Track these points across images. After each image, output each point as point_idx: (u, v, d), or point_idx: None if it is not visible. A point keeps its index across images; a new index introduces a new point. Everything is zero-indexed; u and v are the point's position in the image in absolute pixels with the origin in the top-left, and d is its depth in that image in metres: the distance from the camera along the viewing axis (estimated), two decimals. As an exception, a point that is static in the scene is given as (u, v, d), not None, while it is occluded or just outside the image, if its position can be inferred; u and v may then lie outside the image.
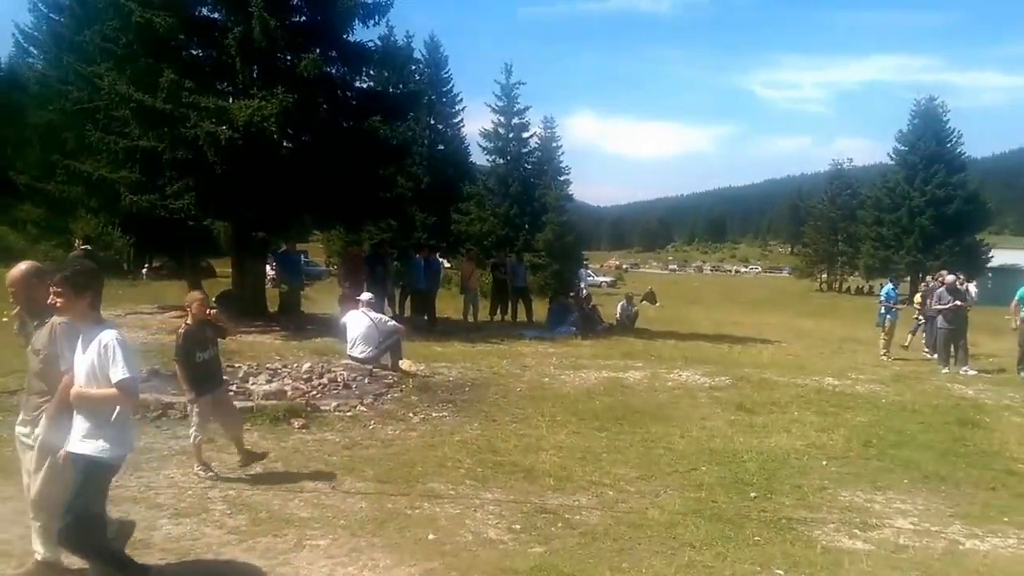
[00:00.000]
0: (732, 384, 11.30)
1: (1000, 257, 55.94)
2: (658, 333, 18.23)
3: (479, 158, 46.48)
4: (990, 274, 51.13)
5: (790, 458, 7.47)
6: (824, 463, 7.38)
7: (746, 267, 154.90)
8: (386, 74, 28.78)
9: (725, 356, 14.61)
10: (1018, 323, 13.69)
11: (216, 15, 16.30)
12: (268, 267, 19.67)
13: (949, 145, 56.29)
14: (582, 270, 44.26)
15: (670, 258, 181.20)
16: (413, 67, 43.84)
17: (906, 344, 16.98)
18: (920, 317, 16.88)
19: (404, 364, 10.71)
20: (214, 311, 6.70)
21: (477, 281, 19.93)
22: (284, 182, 14.81)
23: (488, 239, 40.96)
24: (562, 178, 46.98)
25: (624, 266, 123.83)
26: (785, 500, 6.24)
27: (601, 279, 64.62)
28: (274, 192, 14.80)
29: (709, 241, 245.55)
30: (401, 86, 31.60)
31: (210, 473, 6.23)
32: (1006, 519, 6.02)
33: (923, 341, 16.64)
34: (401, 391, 9.65)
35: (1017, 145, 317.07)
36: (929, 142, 55.39)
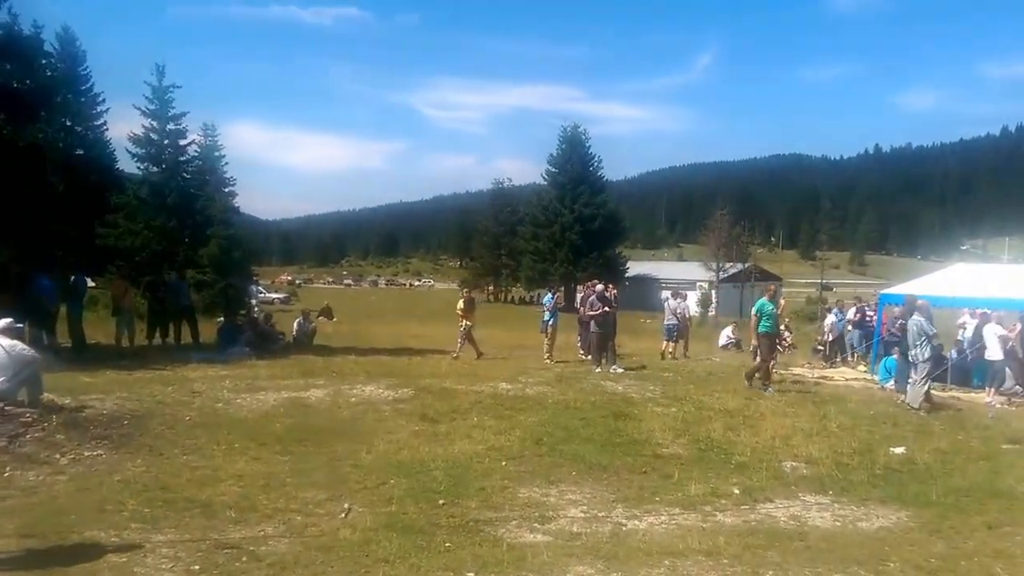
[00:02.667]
0: (415, 395, 11.50)
1: (634, 268, 64.56)
2: (338, 349, 17.99)
3: (129, 166, 41.53)
4: (627, 282, 58.60)
5: (473, 462, 7.78)
6: (504, 464, 7.80)
7: (420, 281, 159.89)
8: (8, 67, 24.69)
9: (406, 368, 14.84)
10: (755, 338, 14.00)
11: None
12: None
13: (591, 168, 63.57)
14: (253, 286, 42.24)
15: (345, 273, 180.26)
16: (44, 61, 38.02)
17: (671, 351, 18.84)
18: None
19: (45, 397, 9.24)
20: None
21: (132, 301, 17.92)
22: None
23: (142, 254, 37.08)
24: (227, 189, 44.28)
25: (298, 281, 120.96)
26: (471, 503, 6.48)
27: (274, 295, 62.35)
28: None
29: (383, 255, 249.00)
30: (28, 81, 27.28)
31: None
32: (658, 499, 6.85)
33: (578, 343, 18.41)
34: (43, 429, 8.30)
35: (644, 170, 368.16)
36: (575, 165, 62.05)
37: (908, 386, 12.53)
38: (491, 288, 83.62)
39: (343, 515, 6.09)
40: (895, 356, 14.37)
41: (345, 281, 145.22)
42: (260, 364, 14.48)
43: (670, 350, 19.13)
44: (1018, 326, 16.21)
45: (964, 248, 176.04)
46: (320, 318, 32.32)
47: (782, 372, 16.16)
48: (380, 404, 10.83)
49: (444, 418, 9.92)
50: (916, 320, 12.31)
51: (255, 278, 45.08)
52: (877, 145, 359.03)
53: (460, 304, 18.03)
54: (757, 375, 13.49)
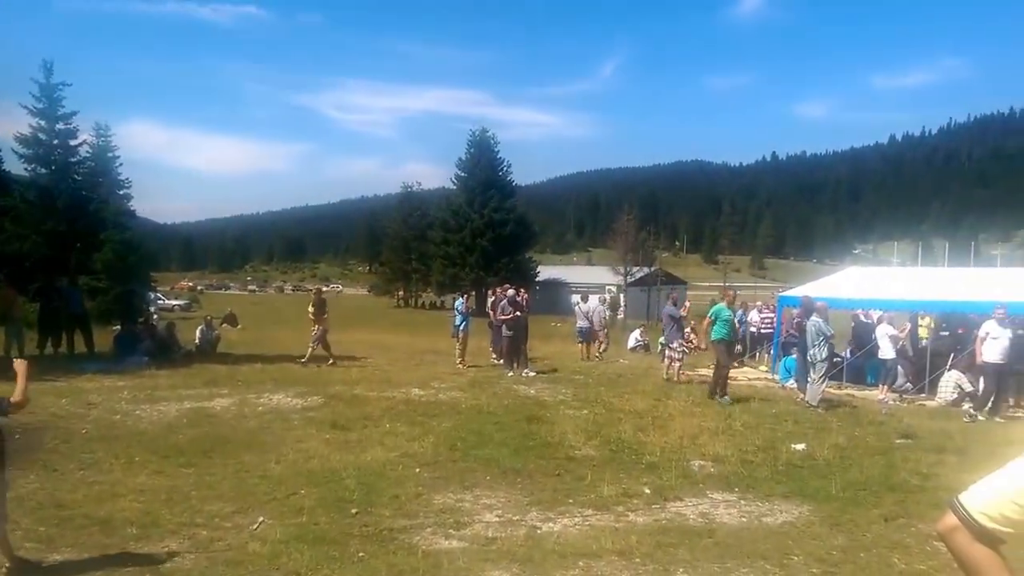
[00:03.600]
0: (324, 403, 11.26)
1: (545, 272, 65.09)
2: (243, 357, 17.44)
3: (16, 167, 39.08)
4: (538, 286, 59.06)
5: (386, 470, 7.66)
6: (417, 470, 7.71)
7: (327, 286, 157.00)
8: None
9: (315, 376, 14.52)
10: (707, 343, 13.91)
11: None
12: None
13: (501, 173, 63.72)
14: (151, 293, 40.51)
15: (249, 278, 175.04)
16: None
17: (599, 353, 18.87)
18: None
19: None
20: None
21: (21, 310, 16.92)
22: None
23: (30, 260, 35.02)
24: (122, 192, 42.30)
25: (199, 287, 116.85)
26: (385, 511, 6.36)
27: (174, 302, 59.96)
28: None
29: (289, 260, 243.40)
30: None
31: None
32: (571, 501, 6.90)
33: (491, 347, 18.44)
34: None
35: (553, 175, 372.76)
36: (484, 170, 62.06)
37: (807, 385, 13.07)
38: (401, 293, 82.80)
39: (253, 527, 5.88)
40: (794, 356, 14.96)
41: (250, 287, 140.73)
42: (160, 374, 13.92)
43: (584, 353, 19.50)
44: (907, 326, 17.15)
45: (856, 252, 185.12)
46: (224, 325, 31.31)
47: (689, 373, 16.61)
48: (289, 413, 10.56)
49: (355, 425, 9.75)
50: (814, 321, 12.86)
51: (153, 284, 43.23)
52: (774, 152, 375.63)
53: (311, 307, 16.97)
54: (719, 384, 12.92)
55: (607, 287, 57.71)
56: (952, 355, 15.02)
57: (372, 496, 6.75)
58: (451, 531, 5.98)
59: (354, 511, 6.31)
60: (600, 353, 20.03)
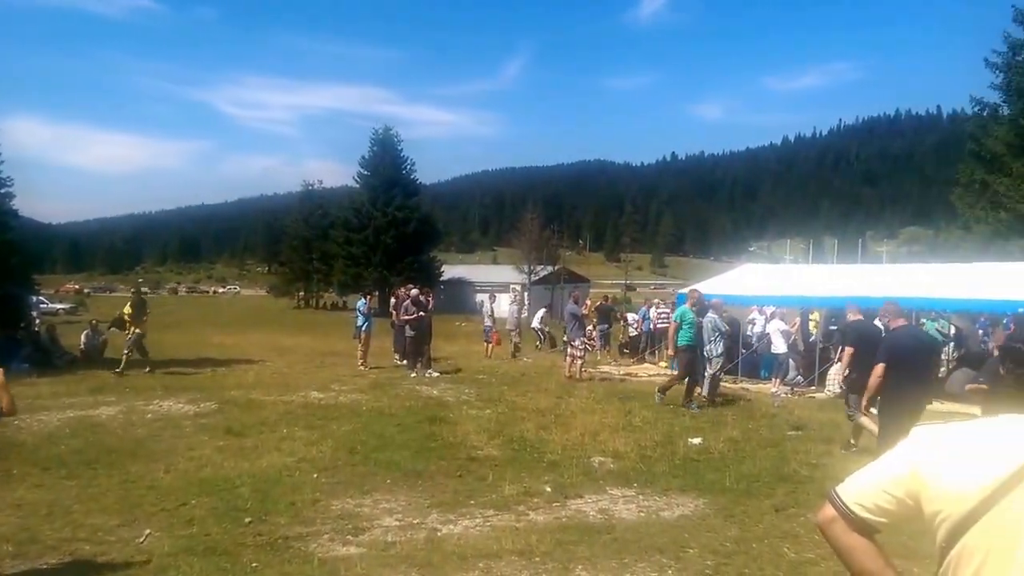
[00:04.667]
0: (218, 409, 10.87)
1: (449, 271, 64.86)
2: (132, 362, 16.61)
3: None
4: (443, 286, 58.79)
5: (283, 476, 7.44)
6: (315, 476, 7.52)
7: (225, 287, 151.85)
8: None
9: (209, 380, 14.00)
10: (674, 348, 13.04)
11: None
12: None
13: (404, 171, 62.88)
14: (34, 297, 38.18)
15: (140, 280, 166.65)
16: None
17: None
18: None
19: None
20: None
21: None
22: None
23: None
24: (3, 191, 39.80)
25: (87, 290, 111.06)
26: (280, 519, 6.17)
27: (58, 305, 56.74)
28: None
29: (183, 261, 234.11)
30: None
31: None
32: (472, 502, 6.86)
33: (393, 348, 18.21)
34: None
35: (458, 174, 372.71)
36: (388, 168, 61.08)
37: (704, 379, 13.44)
38: (301, 294, 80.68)
39: (139, 541, 5.60)
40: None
41: (142, 289, 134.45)
42: (42, 381, 13.17)
43: (489, 352, 19.56)
44: (798, 321, 17.89)
45: (752, 249, 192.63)
46: (112, 329, 29.77)
47: (591, 371, 16.84)
48: (180, 420, 10.13)
49: (251, 431, 9.43)
50: (710, 317, 13.23)
51: (37, 287, 40.78)
52: (674, 152, 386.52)
53: (128, 308, 15.71)
54: (689, 390, 12.34)
55: (511, 286, 58.09)
56: (840, 348, 15.76)
57: (267, 504, 6.54)
58: (349, 537, 5.85)
59: (248, 520, 6.09)
60: (513, 353, 20.17)
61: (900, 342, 7.67)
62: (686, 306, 13.01)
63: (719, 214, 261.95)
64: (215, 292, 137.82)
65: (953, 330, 16.88)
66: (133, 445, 8.68)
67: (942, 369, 16.38)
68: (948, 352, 16.58)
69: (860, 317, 10.01)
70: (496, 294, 22.82)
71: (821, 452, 9.05)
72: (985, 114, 33.68)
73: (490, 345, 20.39)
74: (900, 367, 7.41)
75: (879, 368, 7.48)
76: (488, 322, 20.75)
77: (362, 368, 16.20)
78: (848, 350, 9.36)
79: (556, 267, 64.06)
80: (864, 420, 8.83)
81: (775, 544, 5.83)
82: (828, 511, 1.72)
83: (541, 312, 25.15)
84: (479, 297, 61.33)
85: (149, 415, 10.40)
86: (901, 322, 8.04)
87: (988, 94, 33.63)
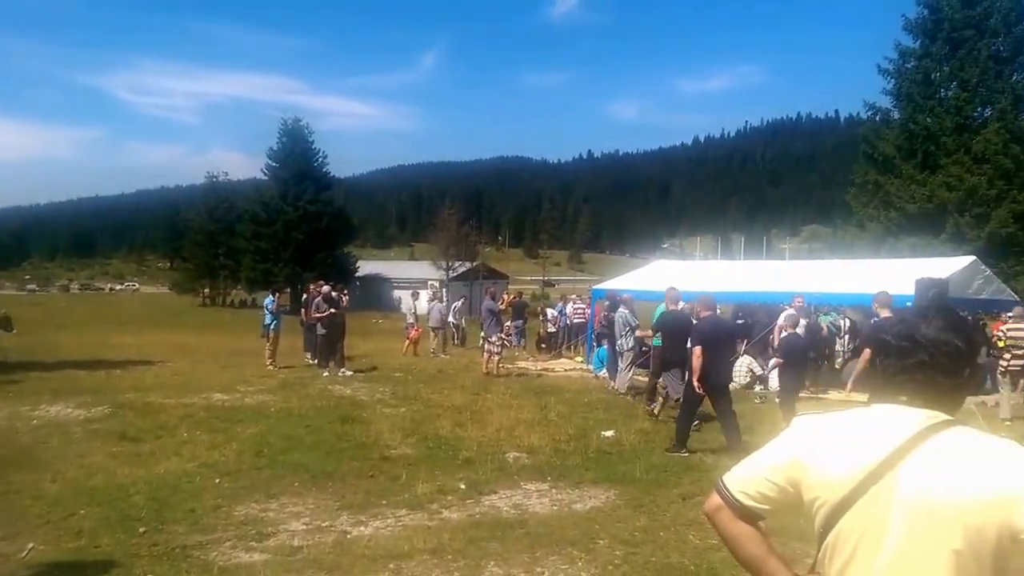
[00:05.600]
0: (112, 413, 10.31)
1: (365, 267, 63.81)
2: (17, 365, 15.60)
3: None
4: (358, 282, 57.85)
5: (182, 482, 7.10)
6: (217, 481, 7.21)
7: (122, 284, 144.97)
8: None
9: (103, 383, 13.30)
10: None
11: None
12: None
13: (316, 164, 61.25)
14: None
15: (27, 277, 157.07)
16: None
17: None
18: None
19: None
20: None
21: None
22: None
23: None
24: None
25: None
26: (178, 528, 5.88)
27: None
28: None
29: (75, 257, 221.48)
30: None
31: None
32: (384, 502, 6.70)
33: (304, 348, 17.75)
34: None
35: (374, 168, 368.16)
36: (298, 160, 59.36)
37: (616, 374, 13.61)
38: (207, 291, 77.71)
39: (22, 555, 5.23)
40: (606, 346, 15.55)
41: (29, 287, 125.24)
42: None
43: (411, 350, 19.47)
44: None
45: (665, 246, 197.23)
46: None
47: (508, 367, 16.84)
48: (70, 425, 9.56)
49: (148, 436, 8.98)
50: (621, 313, 13.39)
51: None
52: (590, 151, 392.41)
53: None
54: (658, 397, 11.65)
55: (429, 282, 57.76)
56: (745, 342, 16.22)
57: (164, 512, 6.21)
58: (252, 543, 5.61)
59: (142, 530, 5.77)
60: (435, 351, 20.06)
61: (704, 328, 9.16)
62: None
63: (634, 211, 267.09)
64: (112, 289, 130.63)
65: (848, 323, 17.60)
66: (17, 453, 8.12)
67: (838, 360, 17.15)
68: (843, 344, 17.29)
69: (675, 307, 10.98)
70: (419, 291, 22.71)
71: (724, 440, 9.25)
72: (878, 118, 35.42)
73: (409, 342, 20.22)
74: (708, 348, 8.81)
75: (697, 350, 8.86)
76: (411, 319, 20.60)
77: (270, 368, 15.71)
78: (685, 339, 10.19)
79: (475, 263, 63.99)
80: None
81: (681, 532, 5.91)
82: (715, 500, 1.77)
83: (457, 304, 25.02)
84: (397, 293, 60.88)
85: (35, 421, 9.79)
86: (707, 313, 9.43)
87: (881, 99, 35.37)
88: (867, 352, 8.78)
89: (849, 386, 10.37)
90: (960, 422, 1.63)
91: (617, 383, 13.42)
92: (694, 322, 9.83)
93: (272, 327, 16.17)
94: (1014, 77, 31.86)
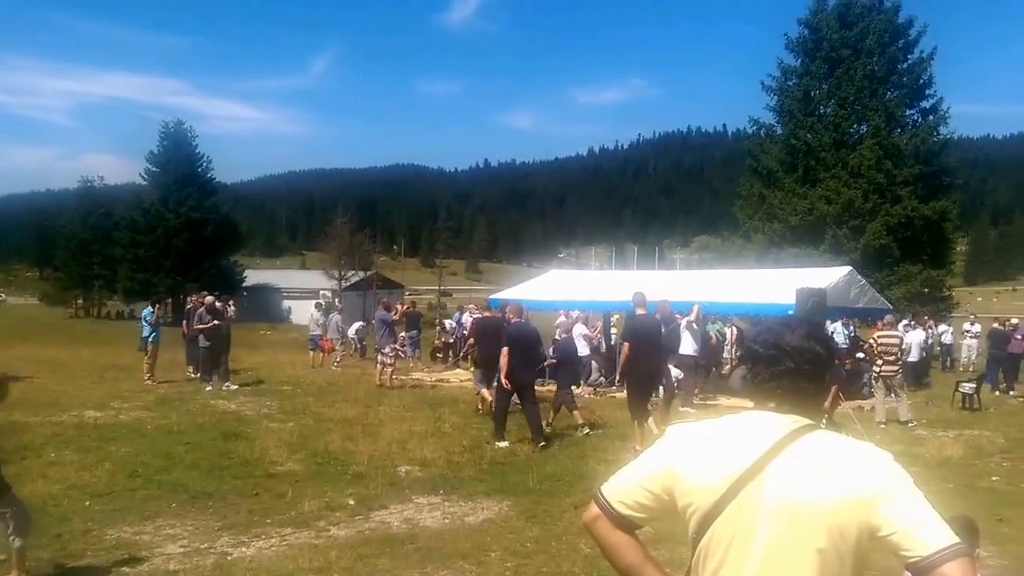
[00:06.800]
0: (-29, 434, 9.54)
1: (253, 277, 61.66)
2: None
3: None
4: (246, 293, 55.86)
5: (48, 506, 6.63)
6: (88, 503, 6.80)
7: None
8: None
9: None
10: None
11: None
12: None
13: (200, 169, 58.58)
14: None
15: None
16: None
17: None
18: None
19: None
20: None
21: None
22: None
23: None
24: None
25: None
26: (43, 554, 5.50)
27: None
28: None
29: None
30: None
31: None
32: (269, 521, 6.45)
33: (186, 361, 16.95)
34: None
35: (263, 173, 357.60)
36: (181, 165, 56.53)
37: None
38: (80, 302, 72.94)
39: None
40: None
41: None
42: None
43: (315, 361, 19.11)
44: (599, 324, 18.67)
45: (561, 256, 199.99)
46: None
47: (402, 378, 16.63)
48: (-79, 448, 8.78)
49: (11, 457, 8.29)
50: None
51: None
52: (486, 160, 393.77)
53: None
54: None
55: (321, 292, 56.48)
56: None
57: (28, 538, 5.76)
58: (125, 568, 5.33)
59: (2, 557, 5.34)
60: (339, 362, 19.65)
61: (512, 333, 10.05)
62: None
63: (531, 221, 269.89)
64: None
65: (735, 331, 18.29)
66: None
67: (726, 368, 17.81)
68: (731, 352, 17.96)
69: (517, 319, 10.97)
70: (323, 302, 22.40)
71: (618, 448, 9.40)
72: (762, 133, 37.14)
73: (317, 353, 19.85)
74: (514, 351, 9.68)
75: (504, 350, 9.70)
76: (316, 330, 20.20)
77: (149, 383, 14.89)
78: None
79: (369, 273, 63.00)
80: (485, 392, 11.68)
81: (572, 541, 5.95)
82: (593, 510, 1.78)
83: (357, 325, 24.65)
84: (287, 304, 59.17)
85: None
86: (517, 319, 10.29)
87: (765, 115, 37.07)
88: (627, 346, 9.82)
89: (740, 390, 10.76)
90: (819, 427, 1.69)
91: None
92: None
93: (151, 340, 15.36)
94: (887, 96, 33.99)
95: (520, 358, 9.76)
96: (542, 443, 9.53)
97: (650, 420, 9.75)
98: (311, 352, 20.12)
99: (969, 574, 1.47)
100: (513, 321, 10.28)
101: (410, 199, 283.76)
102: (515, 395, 9.89)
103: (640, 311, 10.32)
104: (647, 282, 18.78)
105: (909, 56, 34.34)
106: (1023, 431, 11.98)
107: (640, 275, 22.42)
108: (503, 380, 9.65)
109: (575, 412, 10.88)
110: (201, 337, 14.86)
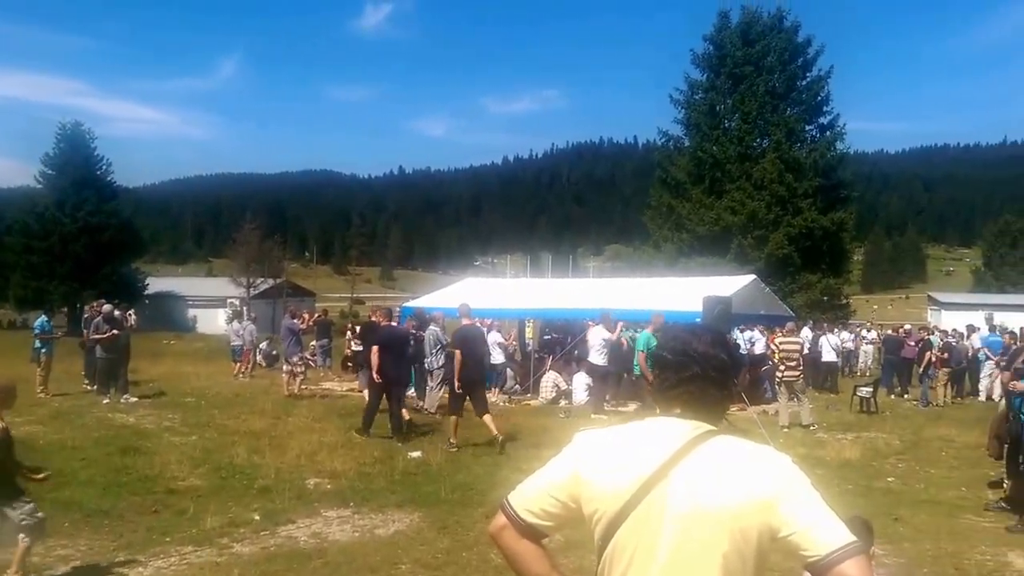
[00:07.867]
0: None
1: (156, 284, 59.23)
2: None
3: None
4: (148, 300, 53.67)
5: (-77, 531, 6.18)
6: (-32, 527, 6.35)
7: None
8: None
9: None
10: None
11: None
12: None
13: (99, 172, 55.87)
14: None
15: None
16: None
17: None
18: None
19: None
20: None
21: None
22: None
23: None
24: None
25: None
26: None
27: None
28: None
29: None
30: None
31: None
32: (168, 539, 6.20)
33: (83, 372, 16.16)
34: None
35: (167, 177, 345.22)
36: (79, 168, 53.83)
37: (426, 391, 13.54)
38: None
39: None
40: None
41: None
42: None
43: (241, 371, 18.61)
44: (513, 332, 18.77)
45: (477, 264, 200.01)
46: None
47: (312, 388, 16.29)
48: None
49: None
50: (432, 330, 13.35)
51: None
52: (401, 167, 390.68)
53: None
54: None
55: (229, 300, 54.80)
56: (551, 357, 16.75)
57: None
58: (10, 594, 4.99)
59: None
60: (247, 372, 19.13)
61: (385, 336, 11.08)
62: (648, 331, 12.75)
63: (446, 229, 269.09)
64: None
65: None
66: None
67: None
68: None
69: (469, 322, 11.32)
70: (231, 311, 21.77)
71: (531, 456, 9.41)
72: (671, 145, 38.14)
73: (241, 364, 19.27)
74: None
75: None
76: (237, 341, 19.63)
77: (42, 396, 14.10)
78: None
79: (278, 280, 61.48)
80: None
81: (483, 551, 5.93)
82: (499, 519, 1.77)
83: (264, 344, 24.07)
84: (192, 312, 57.12)
85: None
86: (468, 322, 10.84)
87: (673, 127, 38.09)
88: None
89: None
90: (722, 432, 1.71)
91: (427, 402, 13.36)
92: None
93: (44, 351, 14.59)
94: (787, 112, 35.46)
95: (391, 357, 10.72)
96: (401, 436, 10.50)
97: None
98: (236, 363, 19.53)
99: (865, 571, 1.51)
100: (464, 324, 10.80)
101: (323, 205, 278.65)
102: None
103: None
104: (561, 290, 19.09)
105: (808, 74, 35.89)
106: (916, 433, 12.64)
107: (554, 283, 22.62)
108: (375, 376, 10.59)
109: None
110: (99, 347, 14.18)
